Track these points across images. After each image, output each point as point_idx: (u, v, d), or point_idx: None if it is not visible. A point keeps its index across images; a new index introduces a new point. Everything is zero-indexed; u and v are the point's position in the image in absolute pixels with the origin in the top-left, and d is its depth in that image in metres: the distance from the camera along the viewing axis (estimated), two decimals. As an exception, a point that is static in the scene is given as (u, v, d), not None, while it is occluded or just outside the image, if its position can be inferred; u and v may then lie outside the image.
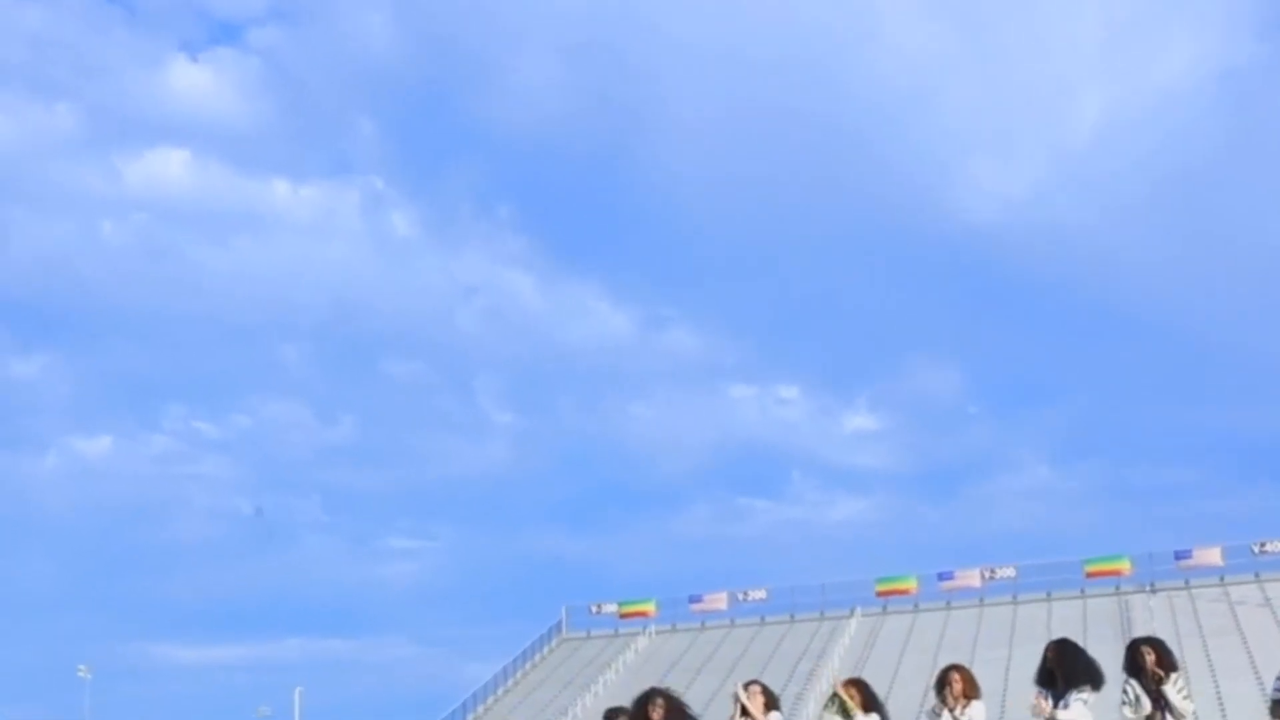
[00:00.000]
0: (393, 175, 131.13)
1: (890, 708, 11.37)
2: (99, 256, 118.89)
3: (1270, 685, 10.56)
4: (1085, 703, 10.05)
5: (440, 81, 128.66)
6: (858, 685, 11.17)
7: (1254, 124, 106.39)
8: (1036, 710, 10.06)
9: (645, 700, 10.43)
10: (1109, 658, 10.89)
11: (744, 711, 10.91)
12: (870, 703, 10.93)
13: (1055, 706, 10.01)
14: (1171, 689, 9.99)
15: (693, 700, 11.95)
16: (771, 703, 11.05)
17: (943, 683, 10.66)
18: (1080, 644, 10.56)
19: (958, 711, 10.49)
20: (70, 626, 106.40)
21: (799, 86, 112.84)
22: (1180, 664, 10.57)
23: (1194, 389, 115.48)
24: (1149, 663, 10.06)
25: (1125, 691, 10.12)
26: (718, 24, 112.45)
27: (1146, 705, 10.01)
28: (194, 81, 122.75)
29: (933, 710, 10.70)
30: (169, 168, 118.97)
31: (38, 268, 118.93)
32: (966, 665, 11.02)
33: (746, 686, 11.19)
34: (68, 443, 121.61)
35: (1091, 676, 10.15)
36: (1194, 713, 10.21)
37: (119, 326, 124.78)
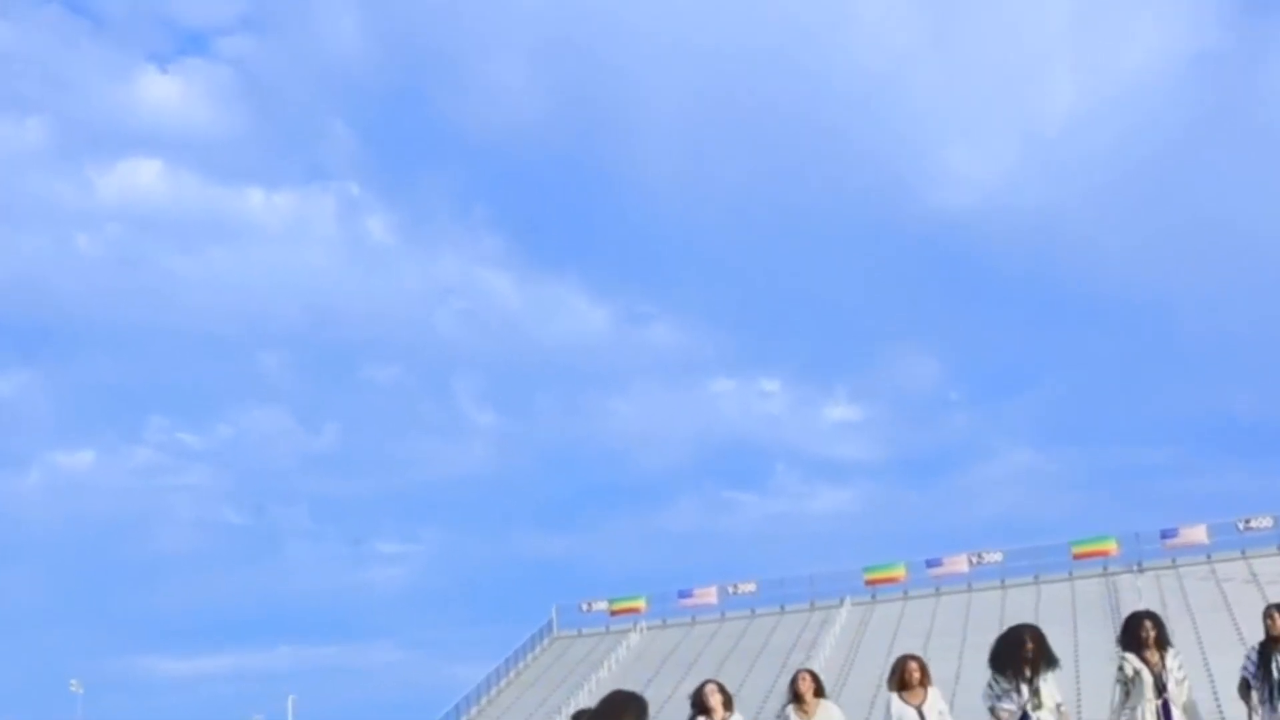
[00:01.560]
0: (367, 180, 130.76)
1: (883, 695, 11.43)
2: (74, 270, 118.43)
3: (1242, 660, 10.62)
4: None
5: (412, 85, 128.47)
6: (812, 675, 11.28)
7: (1224, 107, 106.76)
8: None
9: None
10: (1098, 639, 10.95)
11: (704, 710, 10.98)
12: (820, 690, 11.10)
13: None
14: (1174, 664, 10.01)
15: (685, 695, 12.00)
16: (729, 702, 11.06)
17: (900, 671, 10.69)
18: (1071, 626, 10.62)
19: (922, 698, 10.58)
20: (59, 642, 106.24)
21: (772, 79, 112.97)
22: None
23: (1171, 371, 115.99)
24: (1150, 639, 10.06)
25: (1121, 668, 10.08)
26: (687, 19, 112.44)
27: (1148, 679, 9.98)
28: (164, 92, 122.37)
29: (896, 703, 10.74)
30: (141, 179, 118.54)
31: (13, 284, 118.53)
32: (952, 651, 11.08)
33: (703, 686, 11.27)
34: (50, 458, 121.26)
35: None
36: (1189, 693, 10.16)
37: (97, 340, 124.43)
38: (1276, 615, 10.13)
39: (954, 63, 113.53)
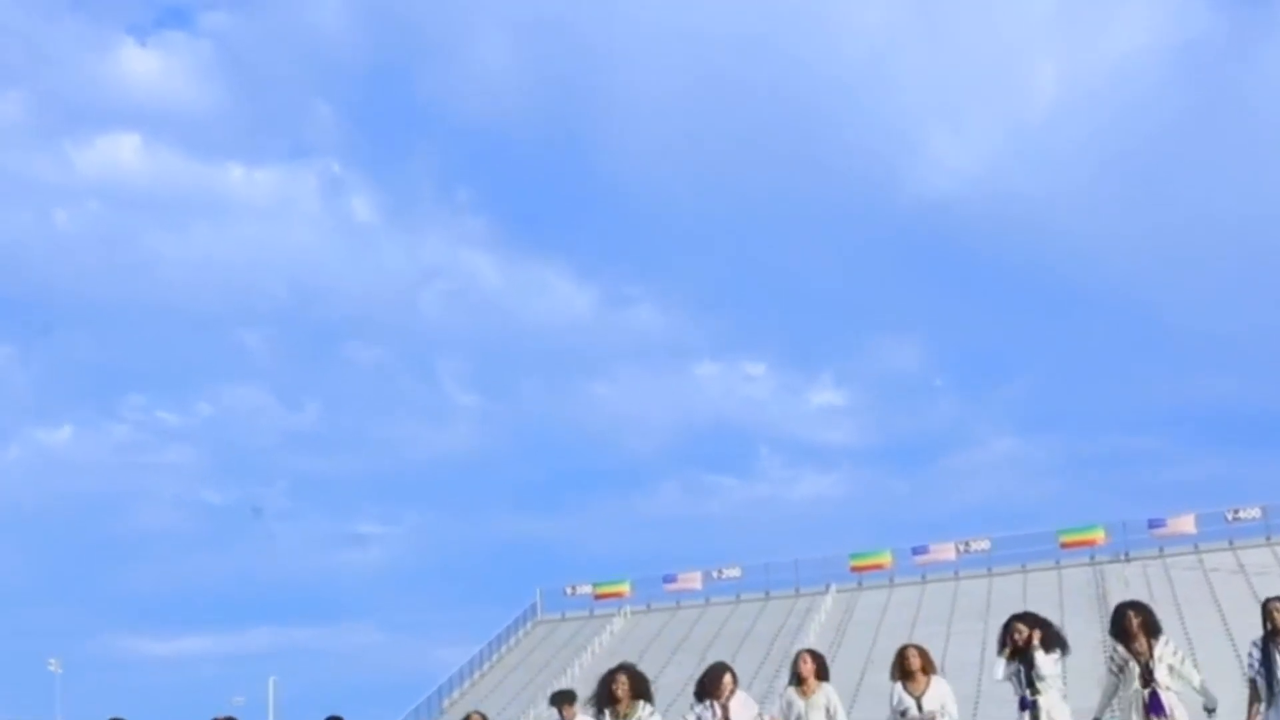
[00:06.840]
0: (350, 158, 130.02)
1: (867, 682, 11.25)
2: (54, 245, 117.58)
3: (1245, 658, 10.41)
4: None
5: (396, 63, 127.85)
6: (814, 655, 11.04)
7: (1209, 97, 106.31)
8: None
9: (609, 678, 10.34)
10: (1086, 627, 10.81)
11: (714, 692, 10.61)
12: (821, 672, 10.86)
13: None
14: (1163, 650, 9.87)
15: (670, 680, 11.80)
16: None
17: (900, 660, 10.54)
18: (1058, 615, 10.48)
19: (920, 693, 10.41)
20: (37, 620, 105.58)
21: (757, 62, 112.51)
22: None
23: (1157, 359, 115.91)
24: (1135, 629, 9.93)
25: (1111, 658, 10.03)
26: (673, 2, 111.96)
27: (1135, 669, 9.88)
28: (144, 66, 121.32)
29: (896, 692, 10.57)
30: (121, 154, 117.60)
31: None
32: (939, 638, 10.90)
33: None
34: (29, 434, 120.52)
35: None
36: (1200, 680, 10.07)
37: (77, 316, 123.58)
38: (1277, 608, 9.81)
39: (939, 49, 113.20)
